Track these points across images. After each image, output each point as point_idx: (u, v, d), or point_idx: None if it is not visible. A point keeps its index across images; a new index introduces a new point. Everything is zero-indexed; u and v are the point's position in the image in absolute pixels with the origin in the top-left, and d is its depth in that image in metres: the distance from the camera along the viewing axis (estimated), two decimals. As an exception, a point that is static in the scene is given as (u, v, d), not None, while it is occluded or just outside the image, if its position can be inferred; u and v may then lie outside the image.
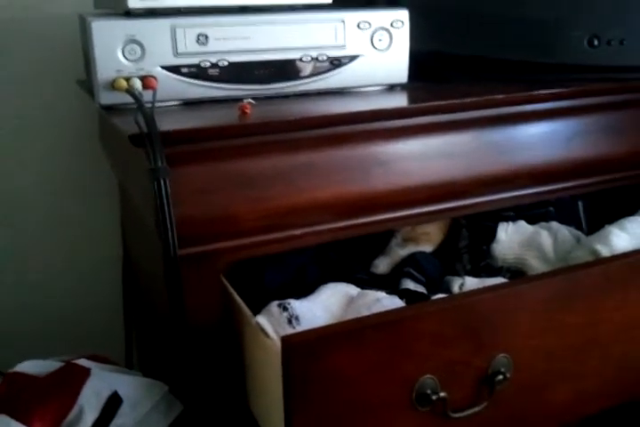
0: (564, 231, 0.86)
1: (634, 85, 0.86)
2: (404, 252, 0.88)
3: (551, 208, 0.92)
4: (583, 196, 0.95)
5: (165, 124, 0.62)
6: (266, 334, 0.63)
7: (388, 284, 0.81)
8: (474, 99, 0.74)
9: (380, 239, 0.90)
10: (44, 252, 1.05)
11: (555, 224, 0.87)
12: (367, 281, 0.81)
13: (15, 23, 0.95)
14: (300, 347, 0.55)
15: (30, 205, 1.03)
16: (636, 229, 0.79)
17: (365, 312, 0.65)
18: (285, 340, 0.55)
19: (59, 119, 1.01)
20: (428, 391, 0.62)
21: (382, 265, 0.86)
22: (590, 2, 0.81)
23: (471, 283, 0.76)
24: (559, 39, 0.83)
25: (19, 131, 1.00)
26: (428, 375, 0.62)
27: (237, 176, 0.65)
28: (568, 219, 0.91)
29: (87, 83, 0.77)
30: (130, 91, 0.65)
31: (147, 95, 0.67)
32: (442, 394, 0.62)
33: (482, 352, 0.65)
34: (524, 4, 0.82)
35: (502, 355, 0.65)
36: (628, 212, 0.87)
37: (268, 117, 0.67)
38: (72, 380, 0.67)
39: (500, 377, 0.65)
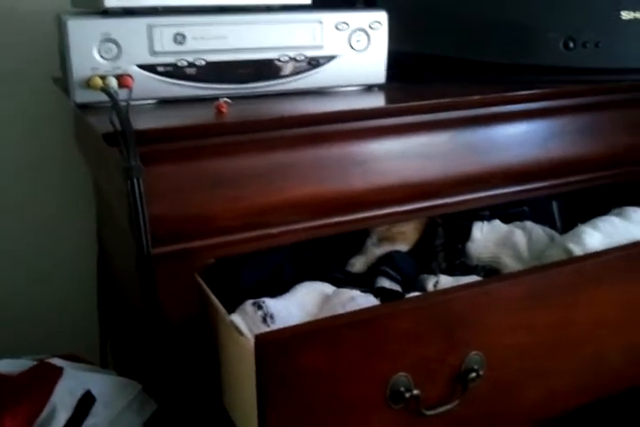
0: (539, 230, 0.87)
1: (609, 87, 0.87)
2: (379, 251, 0.88)
3: (526, 208, 0.93)
4: (558, 196, 0.96)
5: (140, 123, 0.62)
6: (240, 332, 0.63)
7: (364, 282, 0.81)
8: (450, 99, 0.75)
9: (356, 239, 0.90)
10: (18, 249, 1.05)
11: (529, 223, 0.88)
12: (343, 280, 0.81)
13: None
14: (273, 345, 0.56)
15: (4, 203, 1.02)
16: (609, 229, 0.80)
17: (340, 311, 0.66)
18: (259, 338, 0.55)
19: (34, 117, 1.00)
20: (402, 389, 0.62)
21: (358, 264, 0.87)
22: (566, 4, 0.82)
23: (446, 281, 0.77)
24: (536, 41, 0.84)
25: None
26: (402, 373, 0.62)
27: (213, 175, 0.65)
28: (542, 218, 0.92)
29: (63, 81, 0.77)
30: (105, 89, 0.65)
31: (122, 94, 0.67)
32: (415, 392, 0.63)
33: (455, 350, 0.65)
34: (502, 6, 0.83)
35: (475, 353, 0.66)
36: (602, 211, 0.88)
37: (244, 116, 0.67)
38: (45, 379, 0.66)
39: (473, 375, 0.65)
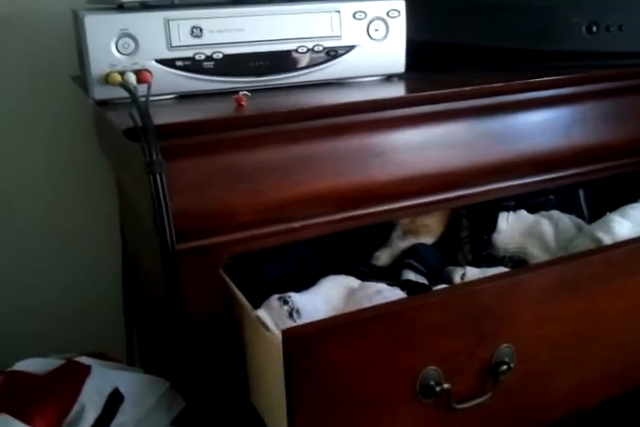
0: (566, 220, 0.85)
1: (633, 71, 0.85)
2: (404, 244, 0.87)
3: (552, 197, 0.91)
4: (584, 184, 0.94)
5: (160, 118, 0.61)
6: (266, 327, 0.62)
7: (389, 276, 0.80)
8: (472, 87, 0.74)
9: (380, 232, 0.89)
10: (44, 248, 1.05)
11: (556, 213, 0.87)
12: (368, 273, 0.80)
13: (8, 20, 0.94)
14: (300, 340, 0.55)
15: (29, 203, 1.02)
16: (638, 217, 0.78)
17: (366, 304, 0.65)
18: (286, 333, 0.55)
19: (55, 119, 1.00)
20: (432, 383, 0.61)
21: (383, 257, 0.86)
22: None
23: (472, 273, 0.75)
24: (557, 26, 0.82)
25: (14, 129, 0.99)
26: (432, 367, 0.61)
27: (233, 169, 0.65)
28: (569, 207, 0.90)
29: (81, 79, 0.77)
30: (124, 84, 0.64)
31: (141, 90, 0.66)
32: (445, 385, 0.62)
33: (485, 343, 0.64)
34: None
35: (505, 345, 0.65)
36: (630, 199, 0.86)
37: (264, 109, 0.66)
38: (73, 377, 0.66)
39: (504, 367, 0.64)
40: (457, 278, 0.76)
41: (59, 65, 0.96)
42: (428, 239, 0.90)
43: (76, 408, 0.64)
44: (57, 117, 1.00)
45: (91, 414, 0.64)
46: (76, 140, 1.01)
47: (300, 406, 0.57)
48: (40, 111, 0.99)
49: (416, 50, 0.82)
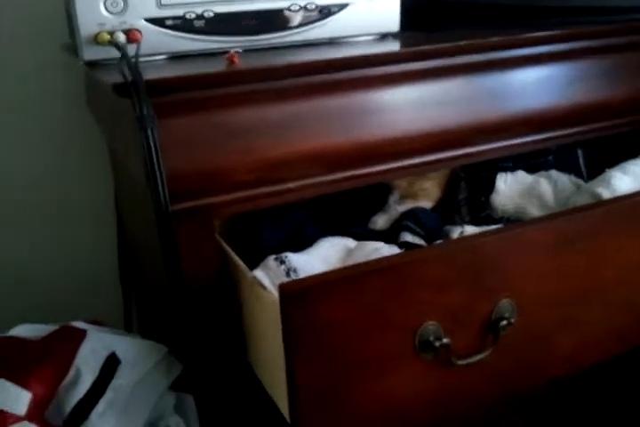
0: (564, 179, 0.85)
1: (633, 27, 0.84)
2: (402, 208, 0.87)
3: (550, 157, 0.90)
4: (582, 144, 0.93)
5: (150, 75, 0.60)
6: (263, 287, 0.62)
7: (387, 239, 0.79)
8: (468, 41, 0.73)
9: (376, 197, 0.89)
10: (39, 220, 1.04)
11: (554, 172, 0.86)
12: (365, 236, 0.79)
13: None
14: (298, 294, 0.54)
15: (24, 171, 1.02)
16: (638, 172, 0.77)
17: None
18: (283, 287, 0.54)
19: (45, 85, 0.99)
20: (431, 338, 0.61)
21: (380, 221, 0.85)
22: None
23: (471, 230, 0.75)
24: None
25: (5, 98, 0.98)
26: (431, 322, 0.61)
27: (226, 127, 0.64)
28: (567, 167, 0.90)
29: (71, 43, 0.75)
30: (114, 42, 0.63)
31: (131, 50, 0.65)
32: (445, 340, 0.61)
33: (485, 297, 0.64)
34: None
35: (506, 300, 0.64)
36: (629, 158, 0.85)
37: (256, 65, 0.65)
38: (68, 341, 0.66)
39: (505, 322, 0.64)
40: (455, 236, 0.75)
41: (49, 32, 0.94)
42: (427, 203, 0.90)
43: (72, 372, 0.63)
44: (47, 85, 0.99)
45: (87, 378, 0.64)
46: (68, 110, 1.00)
47: (299, 364, 0.57)
48: (29, 80, 0.98)
49: (410, 9, 0.81)
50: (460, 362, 0.63)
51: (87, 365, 0.66)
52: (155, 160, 0.57)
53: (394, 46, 0.76)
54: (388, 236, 0.82)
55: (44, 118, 1.00)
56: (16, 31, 0.95)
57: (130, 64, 0.57)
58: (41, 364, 0.64)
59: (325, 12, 0.75)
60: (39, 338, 0.68)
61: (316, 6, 0.74)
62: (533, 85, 0.80)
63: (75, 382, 0.65)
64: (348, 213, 0.86)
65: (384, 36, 0.80)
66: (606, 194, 0.74)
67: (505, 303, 0.64)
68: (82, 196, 1.05)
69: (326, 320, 0.56)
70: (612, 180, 0.75)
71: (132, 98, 0.56)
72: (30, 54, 0.97)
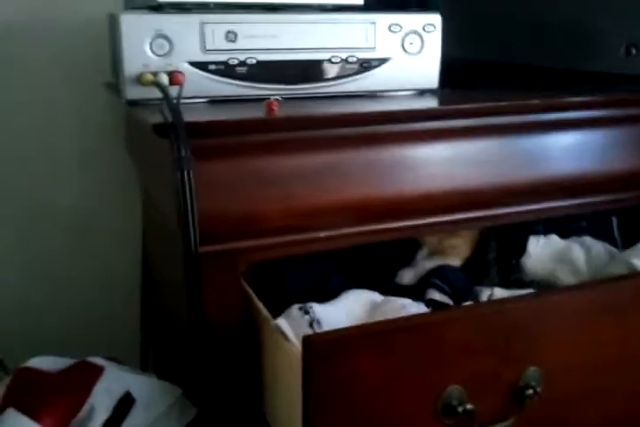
0: (598, 247, 0.83)
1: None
2: (430, 264, 0.85)
3: (583, 222, 0.89)
4: (617, 211, 0.92)
5: (191, 118, 0.60)
6: (285, 337, 0.60)
7: (413, 294, 0.78)
8: (508, 103, 0.72)
9: (405, 252, 0.87)
10: (64, 252, 1.04)
11: (588, 239, 0.85)
12: (391, 291, 0.78)
13: (47, 23, 0.95)
14: (321, 348, 0.53)
15: (54, 207, 1.02)
16: (675, 244, 0.76)
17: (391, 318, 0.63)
18: (306, 340, 0.53)
19: (86, 124, 1.00)
20: (455, 403, 0.59)
21: (408, 276, 0.84)
22: (628, 8, 0.79)
23: (500, 293, 0.73)
24: (595, 46, 0.81)
25: (47, 135, 0.99)
26: (455, 386, 0.59)
27: (262, 173, 0.64)
28: (601, 235, 0.88)
29: (114, 84, 0.77)
30: (157, 83, 0.64)
31: (173, 91, 0.65)
32: (469, 406, 0.59)
33: (512, 364, 0.62)
34: (560, 10, 0.81)
35: (533, 368, 0.62)
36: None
37: (295, 114, 0.65)
38: (84, 377, 0.64)
39: (530, 391, 0.62)
40: (484, 298, 0.74)
41: (92, 71, 0.96)
42: (455, 261, 0.88)
43: (85, 408, 0.62)
44: (88, 123, 1.00)
45: (100, 416, 0.62)
46: (105, 145, 1.01)
47: (317, 420, 0.55)
48: (71, 117, 0.99)
49: (450, 66, 0.81)
50: (483, 430, 0.60)
51: (101, 402, 0.65)
52: (189, 202, 0.56)
53: (432, 103, 0.77)
54: (414, 291, 0.80)
55: (81, 154, 1.02)
56: (60, 69, 0.97)
57: (171, 105, 0.57)
58: (56, 398, 0.63)
59: (366, 66, 0.75)
60: (56, 371, 0.67)
61: (357, 59, 0.75)
62: (569, 150, 0.79)
63: (87, 419, 0.63)
64: (375, 265, 0.85)
65: (423, 92, 0.80)
66: (642, 264, 0.72)
67: (532, 371, 0.62)
68: (109, 230, 1.06)
69: (348, 376, 0.54)
70: (648, 250, 0.74)
71: (170, 139, 0.56)
72: (73, 92, 0.99)
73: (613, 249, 0.84)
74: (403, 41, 0.76)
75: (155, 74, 0.67)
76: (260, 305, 0.65)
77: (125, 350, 0.93)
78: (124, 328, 1.05)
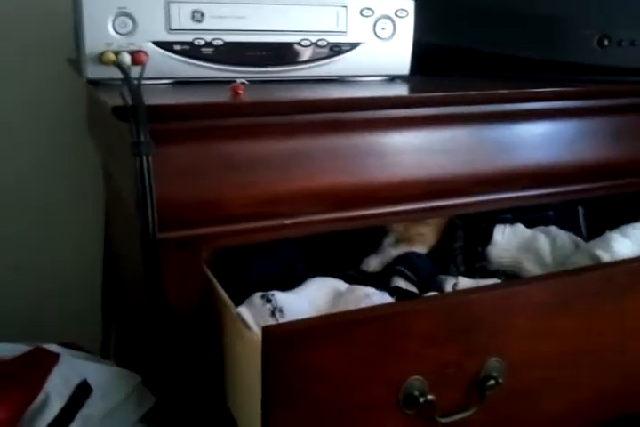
0: (564, 236, 0.83)
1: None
2: (396, 252, 0.85)
3: (550, 212, 0.89)
4: (584, 202, 0.92)
5: (152, 100, 0.58)
6: (247, 325, 0.59)
7: (379, 282, 0.77)
8: (478, 92, 0.71)
9: (371, 239, 0.87)
10: (24, 237, 1.02)
11: (554, 229, 0.84)
12: (357, 278, 0.77)
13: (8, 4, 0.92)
14: (281, 338, 0.52)
15: (13, 190, 0.99)
16: (639, 236, 0.76)
17: (353, 307, 0.62)
18: (266, 331, 0.52)
19: (49, 102, 0.98)
20: (416, 393, 0.59)
21: (373, 263, 0.83)
22: (602, 0, 0.79)
23: (465, 283, 0.73)
24: (568, 37, 0.80)
25: (6, 113, 0.96)
26: (417, 376, 0.59)
27: (225, 159, 0.62)
28: (567, 224, 0.88)
29: (76, 59, 0.74)
30: (118, 63, 0.62)
31: (136, 72, 0.63)
32: (430, 397, 0.59)
33: (474, 355, 0.61)
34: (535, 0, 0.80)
35: (495, 359, 0.62)
36: (630, 220, 0.83)
37: (261, 98, 0.64)
38: (39, 365, 0.63)
39: (492, 382, 0.62)
40: (448, 288, 0.73)
41: (56, 46, 0.93)
42: (422, 249, 0.88)
43: (40, 397, 0.60)
44: (48, 99, 0.97)
45: (56, 405, 0.61)
46: (66, 123, 0.99)
47: (276, 409, 0.54)
48: (32, 93, 0.97)
49: (422, 53, 0.80)
50: (444, 420, 0.60)
51: (57, 391, 0.63)
52: (147, 188, 0.55)
53: (402, 90, 0.75)
54: (379, 278, 0.80)
55: (42, 131, 0.99)
56: (27, 43, 0.94)
57: (132, 87, 0.55)
58: (8, 386, 0.61)
59: (336, 50, 0.74)
60: (10, 358, 0.65)
61: (328, 43, 0.73)
62: (538, 140, 0.79)
63: (42, 408, 0.62)
64: (341, 252, 0.84)
65: (393, 79, 0.79)
66: (606, 257, 0.72)
67: (494, 362, 0.62)
68: (70, 214, 1.03)
69: (309, 368, 0.54)
70: (612, 242, 0.74)
71: (130, 122, 0.54)
72: (40, 67, 0.96)
73: (578, 239, 0.84)
74: (374, 26, 0.74)
75: (117, 53, 0.65)
76: (223, 293, 0.64)
77: (87, 338, 0.91)
78: (88, 315, 1.04)
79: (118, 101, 0.56)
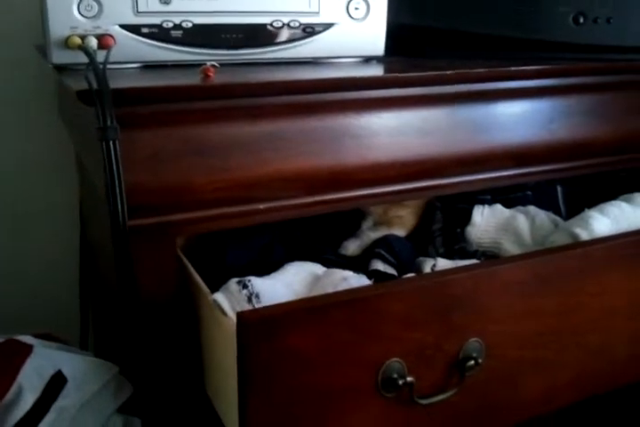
0: (542, 216, 0.83)
1: (620, 66, 0.83)
2: (375, 235, 0.84)
3: (529, 192, 0.89)
4: (562, 181, 0.92)
5: (119, 84, 0.57)
6: (223, 312, 0.58)
7: (357, 265, 0.77)
8: (453, 71, 0.70)
9: (349, 222, 0.86)
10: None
11: (532, 208, 0.84)
12: (335, 262, 0.76)
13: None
14: (257, 324, 0.51)
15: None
16: (617, 214, 0.76)
17: (331, 291, 0.61)
18: (241, 316, 0.51)
19: (20, 88, 0.96)
20: (395, 376, 0.58)
21: (352, 247, 0.83)
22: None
23: (444, 264, 0.72)
24: (544, 15, 0.80)
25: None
26: (396, 359, 0.58)
27: (196, 143, 0.61)
28: (546, 204, 0.88)
29: (43, 45, 0.73)
30: (83, 47, 0.60)
31: (102, 56, 0.62)
32: (409, 379, 0.58)
33: (453, 336, 0.61)
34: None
35: (474, 339, 0.62)
36: (608, 199, 0.83)
37: (232, 81, 0.62)
38: (11, 357, 0.62)
39: (472, 363, 0.62)
40: (427, 269, 0.73)
41: (24, 32, 0.92)
42: (401, 231, 0.87)
43: (13, 390, 0.59)
44: (19, 85, 0.95)
45: (29, 397, 0.59)
46: (38, 109, 0.97)
47: (253, 396, 0.53)
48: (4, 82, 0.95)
49: (397, 33, 0.79)
50: (423, 401, 0.60)
51: (31, 383, 0.62)
52: (114, 174, 0.54)
53: (377, 71, 0.74)
54: (358, 262, 0.79)
55: (13, 118, 0.97)
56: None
57: (97, 71, 0.54)
58: (-22, 380, 0.60)
59: (309, 31, 0.72)
60: (-19, 350, 0.64)
61: (300, 24, 0.72)
62: (516, 119, 0.78)
63: (15, 400, 0.61)
64: (318, 236, 0.83)
65: (368, 60, 0.78)
66: (584, 235, 0.72)
67: (473, 343, 0.62)
68: (45, 203, 1.02)
69: (286, 353, 0.53)
70: (591, 220, 0.73)
71: (95, 107, 0.53)
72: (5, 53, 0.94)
73: (557, 218, 0.84)
74: (347, 6, 0.73)
75: (83, 37, 0.63)
76: (199, 279, 0.63)
77: (66, 329, 0.90)
78: (66, 305, 1.02)
79: (84, 86, 0.55)
